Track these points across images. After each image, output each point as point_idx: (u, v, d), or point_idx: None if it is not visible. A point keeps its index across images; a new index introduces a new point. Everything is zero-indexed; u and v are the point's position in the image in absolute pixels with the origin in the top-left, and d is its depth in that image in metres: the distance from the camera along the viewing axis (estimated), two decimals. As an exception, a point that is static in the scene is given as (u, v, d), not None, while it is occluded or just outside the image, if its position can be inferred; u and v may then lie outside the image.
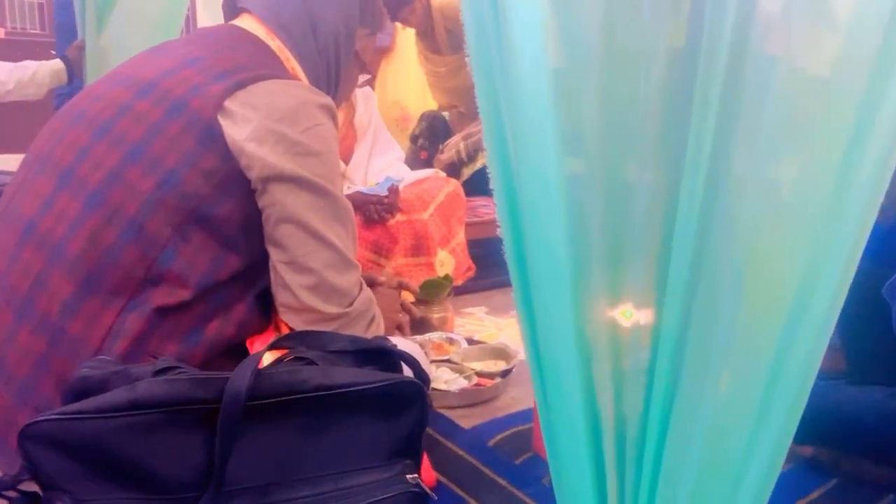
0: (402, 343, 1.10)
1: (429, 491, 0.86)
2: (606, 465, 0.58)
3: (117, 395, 0.74)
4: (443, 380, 1.52)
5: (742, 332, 0.54)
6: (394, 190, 2.12)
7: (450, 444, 1.29)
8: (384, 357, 0.89)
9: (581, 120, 0.55)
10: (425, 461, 1.18)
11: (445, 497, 1.12)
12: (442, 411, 1.43)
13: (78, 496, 0.74)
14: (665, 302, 0.53)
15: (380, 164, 2.38)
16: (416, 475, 0.84)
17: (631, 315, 1.24)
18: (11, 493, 0.77)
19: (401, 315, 1.64)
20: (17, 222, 0.96)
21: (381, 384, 0.81)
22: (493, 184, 0.61)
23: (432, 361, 1.61)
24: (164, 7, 2.46)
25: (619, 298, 0.57)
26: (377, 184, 2.24)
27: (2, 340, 0.91)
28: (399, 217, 2.12)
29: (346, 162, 2.43)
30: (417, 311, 1.78)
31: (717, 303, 0.54)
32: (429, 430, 1.32)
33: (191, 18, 4.97)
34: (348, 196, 2.06)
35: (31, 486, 0.78)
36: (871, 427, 1.16)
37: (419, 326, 1.80)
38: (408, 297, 1.82)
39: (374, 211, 2.07)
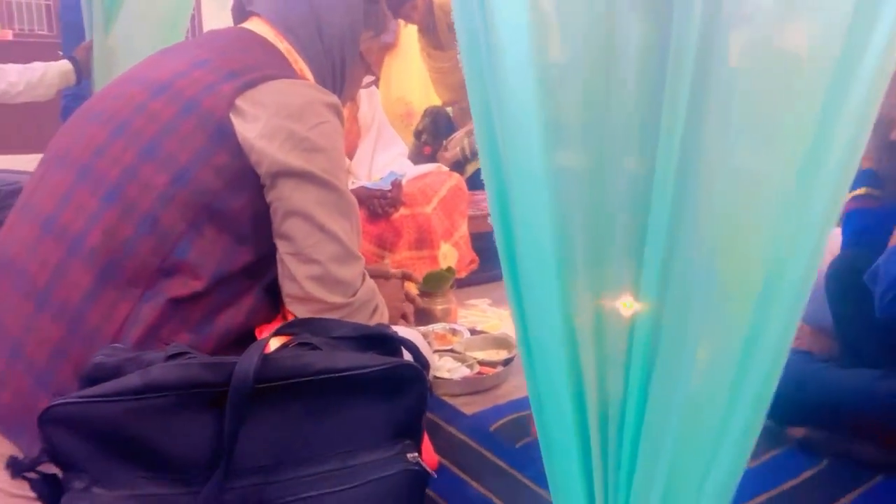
0: (403, 331, 1.14)
1: (429, 470, 0.89)
2: (591, 443, 0.61)
3: (132, 379, 0.78)
4: (446, 368, 1.56)
5: (715, 314, 0.58)
6: (397, 184, 2.16)
7: (452, 430, 1.33)
8: (385, 343, 0.93)
9: (564, 116, 0.58)
10: (428, 445, 1.22)
11: (447, 479, 1.16)
12: (445, 399, 1.47)
13: (96, 476, 0.78)
14: (642, 287, 0.57)
15: (383, 160, 2.43)
16: (416, 454, 0.88)
17: (630, 306, 1.28)
18: (31, 475, 0.82)
19: (405, 305, 1.69)
20: (37, 216, 1.00)
21: (381, 368, 0.84)
22: (485, 179, 0.65)
23: (436, 351, 1.65)
24: (170, 7, 2.50)
25: (601, 286, 0.60)
26: (381, 179, 2.28)
27: (22, 328, 0.95)
28: (402, 211, 2.16)
29: (351, 158, 2.47)
30: (421, 302, 1.82)
31: (691, 287, 0.57)
32: (432, 416, 1.37)
33: (196, 18, 5.01)
34: (353, 190, 2.10)
35: (51, 469, 0.83)
36: (859, 408, 1.20)
37: (423, 317, 1.84)
38: (412, 288, 1.86)
39: (378, 205, 2.11)
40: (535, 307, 0.64)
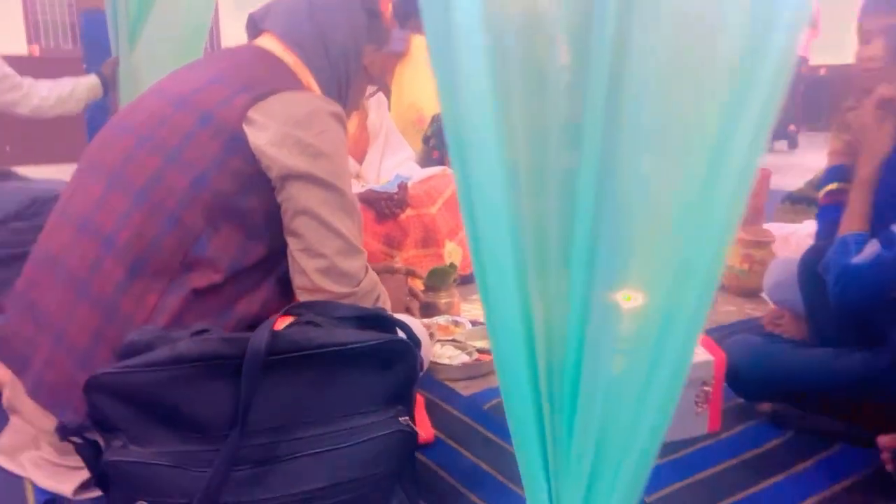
0: (401, 317, 1.26)
1: (418, 432, 1.02)
2: (541, 393, 0.73)
3: (161, 353, 0.91)
4: (447, 356, 1.68)
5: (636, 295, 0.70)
6: (403, 187, 2.28)
7: (449, 408, 1.45)
8: (381, 322, 1.06)
9: (514, 118, 0.70)
10: (426, 420, 1.36)
11: (442, 449, 1.29)
12: (446, 382, 1.60)
13: (132, 435, 0.92)
14: (572, 268, 0.68)
15: (391, 164, 2.56)
16: (407, 418, 1.00)
17: (629, 298, 1.43)
18: (76, 439, 0.95)
19: (409, 300, 1.82)
20: (74, 218, 1.14)
21: (375, 342, 0.97)
22: (455, 180, 0.77)
23: (438, 340, 1.77)
24: (189, 22, 2.64)
25: (546, 267, 0.72)
26: (388, 182, 2.41)
27: (65, 316, 1.09)
28: (409, 212, 2.29)
29: (360, 162, 2.61)
30: (423, 297, 1.95)
31: (613, 275, 0.69)
32: (432, 397, 1.49)
33: (215, 31, 5.19)
34: (362, 194, 2.24)
35: (92, 436, 0.96)
36: (818, 384, 1.30)
37: (428, 310, 1.97)
38: (417, 284, 1.99)
39: (386, 206, 2.24)
40: (496, 285, 0.75)
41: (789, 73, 0.67)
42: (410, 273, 1.89)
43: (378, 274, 1.30)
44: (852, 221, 1.27)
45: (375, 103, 2.57)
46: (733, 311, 2.17)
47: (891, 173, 1.28)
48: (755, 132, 0.67)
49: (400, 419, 0.99)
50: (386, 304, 1.30)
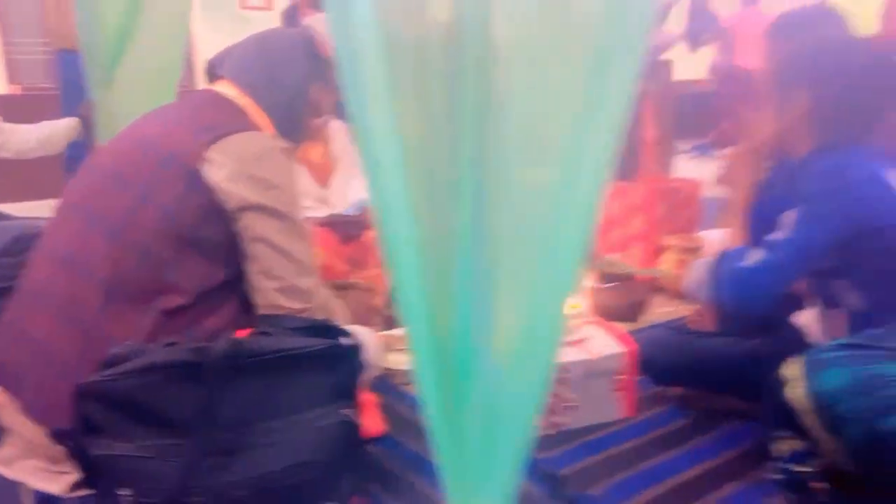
0: (354, 327, 1.44)
1: (361, 421, 1.20)
2: (442, 372, 0.92)
3: (137, 362, 1.09)
4: (403, 362, 1.86)
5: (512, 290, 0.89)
6: (365, 210, 2.47)
7: (400, 407, 1.63)
8: (328, 331, 1.23)
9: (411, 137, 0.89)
10: (377, 415, 1.53)
11: (392, 441, 1.47)
12: (400, 385, 1.77)
13: (115, 433, 1.09)
14: (456, 263, 0.87)
15: (356, 188, 2.74)
16: (350, 411, 1.18)
17: (577, 306, 1.65)
18: (69, 443, 1.12)
19: (369, 314, 2.00)
20: (58, 255, 1.31)
21: (319, 347, 1.15)
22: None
23: (399, 350, 1.94)
24: (161, 65, 2.80)
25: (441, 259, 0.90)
26: (353, 204, 2.60)
27: (53, 341, 1.25)
28: (371, 232, 2.47)
29: (327, 188, 2.79)
30: (386, 310, 2.13)
31: (498, 258, 0.88)
32: (386, 398, 1.67)
33: (192, 60, 5.36)
34: (326, 218, 2.42)
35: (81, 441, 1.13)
36: (718, 369, 1.50)
37: (390, 323, 2.14)
38: (378, 298, 2.17)
39: (349, 229, 2.42)
40: (399, 281, 0.94)
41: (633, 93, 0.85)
42: (369, 289, 2.06)
43: (341, 289, 1.47)
44: (734, 237, 1.48)
45: (337, 131, 2.75)
46: (671, 311, 2.37)
47: (759, 198, 1.50)
48: (604, 148, 0.85)
49: (343, 411, 1.17)
50: (340, 317, 1.47)
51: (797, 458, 1.16)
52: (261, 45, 1.47)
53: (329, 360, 1.17)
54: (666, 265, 2.54)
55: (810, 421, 1.12)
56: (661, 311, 2.37)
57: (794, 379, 1.15)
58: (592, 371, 1.51)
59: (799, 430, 1.15)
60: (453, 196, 0.88)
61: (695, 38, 2.47)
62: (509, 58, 0.85)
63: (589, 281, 2.31)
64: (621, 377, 1.53)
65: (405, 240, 0.91)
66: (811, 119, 1.39)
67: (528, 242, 0.90)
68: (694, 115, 3.22)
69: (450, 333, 0.91)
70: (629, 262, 2.66)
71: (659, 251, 2.65)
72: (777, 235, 1.33)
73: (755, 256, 1.38)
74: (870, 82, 1.36)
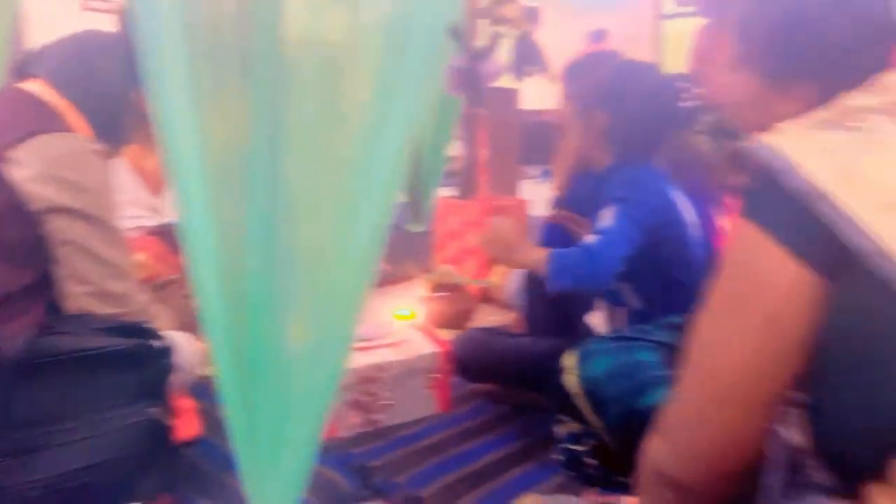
0: (172, 333, 1.45)
1: (169, 422, 1.21)
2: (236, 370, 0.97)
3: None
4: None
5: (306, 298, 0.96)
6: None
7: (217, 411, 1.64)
8: (136, 332, 1.24)
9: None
10: (193, 418, 1.54)
11: (206, 445, 1.48)
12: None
13: None
14: (251, 267, 0.93)
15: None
16: (156, 411, 1.19)
17: (407, 315, 1.71)
18: None
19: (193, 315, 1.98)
20: None
21: (119, 347, 1.16)
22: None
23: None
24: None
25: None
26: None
27: None
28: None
29: (158, 196, 2.73)
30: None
31: (291, 264, 0.94)
32: (206, 404, 1.67)
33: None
34: (157, 227, 2.37)
35: None
36: (522, 365, 1.64)
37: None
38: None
39: (176, 238, 2.39)
40: (199, 284, 0.98)
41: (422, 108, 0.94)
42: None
43: (164, 289, 1.46)
44: None
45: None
46: (498, 320, 2.53)
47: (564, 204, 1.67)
48: (391, 169, 0.95)
49: (150, 410, 1.18)
50: (160, 321, 1.47)
51: (573, 438, 1.31)
52: (79, 45, 1.46)
53: (133, 361, 1.18)
54: (495, 277, 2.71)
55: (582, 404, 1.27)
56: (489, 319, 2.52)
57: (570, 367, 1.29)
58: (408, 370, 1.61)
59: (575, 414, 1.30)
60: (249, 203, 0.94)
61: (519, 69, 2.68)
62: (300, 59, 0.91)
63: (424, 290, 2.43)
64: (436, 376, 1.64)
65: (203, 245, 0.96)
66: (609, 137, 1.58)
67: (319, 251, 0.97)
68: (541, 143, 3.43)
69: (245, 334, 0.96)
70: (463, 273, 2.81)
71: (490, 264, 2.82)
72: (601, 224, 1.47)
73: (590, 238, 1.49)
74: (656, 105, 1.56)
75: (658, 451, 0.69)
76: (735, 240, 0.60)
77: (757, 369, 0.58)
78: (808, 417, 0.59)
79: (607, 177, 1.58)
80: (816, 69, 0.64)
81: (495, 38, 2.70)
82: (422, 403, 1.62)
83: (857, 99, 0.56)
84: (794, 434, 0.60)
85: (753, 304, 0.57)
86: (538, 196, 3.43)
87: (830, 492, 0.58)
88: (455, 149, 3.29)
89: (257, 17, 0.87)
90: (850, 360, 0.53)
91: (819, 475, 0.59)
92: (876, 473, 0.53)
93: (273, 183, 0.92)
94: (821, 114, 0.57)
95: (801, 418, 0.59)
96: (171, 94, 0.92)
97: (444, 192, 3.15)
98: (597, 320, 1.70)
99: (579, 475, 1.31)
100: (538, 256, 1.51)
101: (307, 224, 0.96)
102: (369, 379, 1.57)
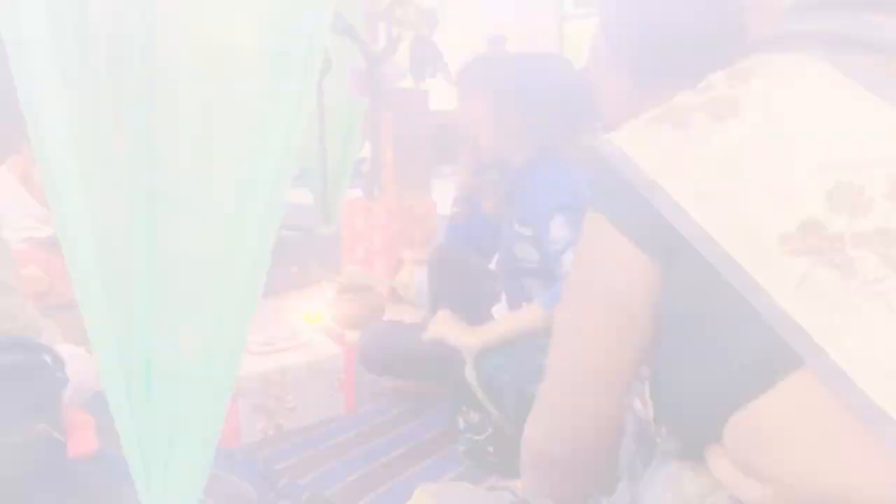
0: (69, 349, 1.40)
1: (62, 438, 1.18)
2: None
3: None
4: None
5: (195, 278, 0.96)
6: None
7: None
8: (29, 346, 1.20)
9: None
10: (90, 433, 1.50)
11: (107, 459, 1.44)
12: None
13: None
14: (136, 275, 0.92)
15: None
16: (46, 427, 1.16)
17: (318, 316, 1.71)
18: None
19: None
20: None
21: (13, 361, 1.13)
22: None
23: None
24: None
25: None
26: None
27: None
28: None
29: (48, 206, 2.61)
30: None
31: (176, 272, 0.94)
32: (101, 416, 1.63)
33: None
34: (49, 238, 2.28)
35: None
36: (427, 358, 1.67)
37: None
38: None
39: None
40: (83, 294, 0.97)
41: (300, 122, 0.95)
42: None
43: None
44: None
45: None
46: (409, 318, 2.56)
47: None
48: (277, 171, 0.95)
49: (37, 427, 1.15)
50: (47, 335, 1.42)
51: (474, 428, 1.35)
52: None
53: (21, 376, 1.15)
54: (402, 276, 2.74)
55: (481, 394, 1.31)
56: (399, 318, 2.55)
57: (470, 358, 1.34)
58: (313, 372, 1.61)
59: (476, 404, 1.35)
60: (128, 210, 0.93)
61: (417, 71, 2.71)
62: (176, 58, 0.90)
63: (333, 292, 2.43)
64: (341, 376, 1.65)
65: (84, 256, 0.95)
66: (524, 132, 1.61)
67: (205, 256, 0.97)
68: (453, 143, 3.46)
69: (133, 343, 0.96)
70: (371, 274, 2.82)
71: (397, 264, 2.85)
72: (559, 234, 1.45)
73: (565, 258, 1.44)
74: (565, 99, 1.61)
75: (534, 431, 0.73)
76: (586, 230, 0.65)
77: (608, 349, 0.63)
78: (651, 389, 0.64)
79: (528, 170, 1.60)
80: (672, 68, 0.70)
81: (394, 40, 2.73)
82: (328, 404, 1.63)
83: (684, 97, 0.62)
84: (642, 405, 0.65)
85: (600, 290, 0.62)
86: (451, 195, 3.48)
87: (678, 456, 0.64)
88: (363, 150, 3.30)
89: (128, 16, 0.87)
90: (685, 335, 0.59)
91: (667, 442, 0.65)
92: (714, 436, 0.59)
93: (153, 187, 0.92)
94: (654, 111, 0.62)
95: (646, 390, 0.65)
96: (42, 98, 0.90)
97: (353, 194, 3.16)
98: (501, 313, 1.75)
99: (480, 464, 1.35)
100: (529, 315, 1.44)
101: (190, 229, 0.96)
102: (274, 383, 1.56)
